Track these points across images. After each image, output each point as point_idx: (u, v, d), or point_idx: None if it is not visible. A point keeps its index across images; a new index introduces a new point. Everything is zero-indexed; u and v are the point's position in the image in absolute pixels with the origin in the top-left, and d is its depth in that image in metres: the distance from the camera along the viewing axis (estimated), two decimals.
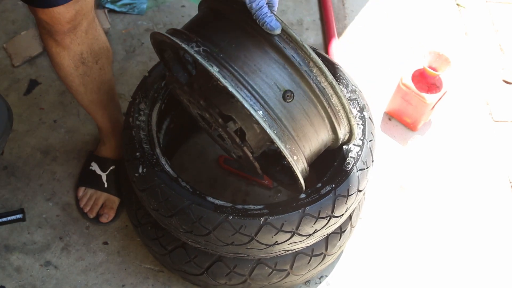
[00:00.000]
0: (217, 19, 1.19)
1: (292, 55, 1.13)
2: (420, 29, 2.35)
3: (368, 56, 2.24)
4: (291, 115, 1.16)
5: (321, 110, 1.19)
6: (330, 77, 1.15)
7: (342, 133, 1.27)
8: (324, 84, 1.16)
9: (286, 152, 1.16)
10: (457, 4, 2.47)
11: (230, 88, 1.09)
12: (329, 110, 1.19)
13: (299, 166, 1.22)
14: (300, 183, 1.26)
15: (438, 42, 2.31)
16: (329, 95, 1.17)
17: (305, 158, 1.24)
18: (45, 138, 1.90)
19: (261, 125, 1.10)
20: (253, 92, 1.12)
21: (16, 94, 1.99)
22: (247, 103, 1.10)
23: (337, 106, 1.20)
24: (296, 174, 1.22)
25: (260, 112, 1.11)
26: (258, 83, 1.12)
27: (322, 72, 1.14)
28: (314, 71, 1.14)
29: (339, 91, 1.17)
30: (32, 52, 2.08)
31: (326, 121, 1.22)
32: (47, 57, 2.09)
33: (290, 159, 1.17)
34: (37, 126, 1.92)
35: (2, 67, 2.06)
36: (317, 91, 1.15)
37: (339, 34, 2.28)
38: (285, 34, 1.13)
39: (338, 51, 2.17)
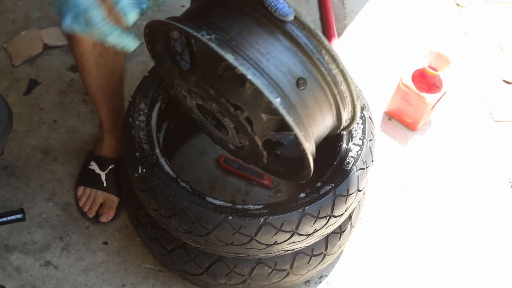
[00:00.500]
0: (224, 6, 1.17)
1: (304, 42, 1.13)
2: (420, 29, 2.35)
3: (368, 56, 2.24)
4: (304, 102, 1.16)
5: (330, 97, 1.20)
6: (341, 64, 1.16)
7: (344, 119, 1.28)
8: (335, 71, 1.17)
9: (303, 140, 1.16)
10: (457, 4, 2.47)
11: (249, 76, 1.07)
12: (337, 97, 1.20)
13: (311, 153, 1.22)
14: (310, 169, 1.26)
15: (438, 42, 2.31)
16: (339, 82, 1.18)
17: (314, 145, 1.25)
18: (45, 138, 1.90)
19: (280, 113, 1.10)
20: (269, 79, 1.11)
21: (16, 94, 1.99)
22: (267, 91, 1.09)
23: (345, 93, 1.21)
24: (309, 161, 1.22)
25: (278, 100, 1.11)
26: (272, 71, 1.12)
27: (334, 60, 1.15)
28: (326, 58, 1.15)
29: (348, 78, 1.18)
30: (32, 52, 2.08)
31: (333, 107, 1.23)
32: (47, 57, 2.10)
33: (305, 147, 1.18)
34: (37, 126, 1.92)
35: (2, 67, 2.06)
36: (328, 78, 1.16)
37: (339, 34, 2.28)
38: (297, 21, 1.12)
39: (338, 51, 2.17)
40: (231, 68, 1.15)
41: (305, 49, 1.13)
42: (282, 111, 1.10)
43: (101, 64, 1.51)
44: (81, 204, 1.74)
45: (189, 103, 1.39)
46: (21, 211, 1.71)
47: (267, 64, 1.11)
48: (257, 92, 1.13)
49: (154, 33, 1.31)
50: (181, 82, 1.30)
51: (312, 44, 1.13)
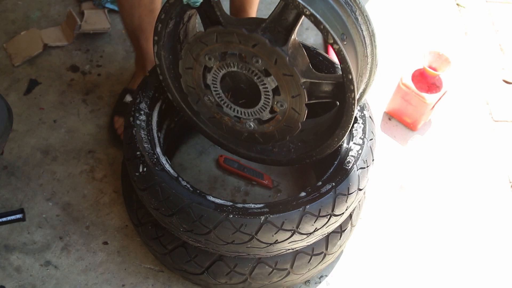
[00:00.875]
0: None
1: (345, 1, 1.19)
2: (420, 29, 2.36)
3: None
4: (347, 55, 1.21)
5: (358, 57, 1.25)
6: (372, 26, 1.23)
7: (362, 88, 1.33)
8: (365, 32, 1.23)
9: (356, 90, 1.21)
10: (457, 4, 2.48)
11: (319, 17, 1.11)
12: (364, 59, 1.25)
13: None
14: (346, 130, 1.33)
15: (438, 42, 2.31)
16: (367, 44, 1.23)
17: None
18: (45, 138, 1.90)
19: (344, 57, 1.14)
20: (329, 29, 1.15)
21: (16, 94, 1.99)
22: (335, 35, 1.12)
23: (368, 58, 1.25)
24: (353, 110, 1.26)
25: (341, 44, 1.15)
26: (330, 23, 1.15)
27: (366, 21, 1.22)
28: (360, 19, 1.21)
29: (376, 40, 1.23)
30: (32, 52, 2.08)
31: (359, 69, 1.27)
32: (47, 57, 2.10)
33: (356, 96, 1.22)
34: (37, 126, 1.92)
35: (2, 67, 2.06)
36: (360, 38, 1.22)
37: None
38: None
39: None
40: (271, 30, 1.21)
41: (345, 8, 1.19)
42: (346, 55, 1.14)
43: (138, 5, 1.60)
44: (116, 126, 1.88)
45: (211, 78, 1.37)
46: (21, 211, 1.71)
47: (323, 18, 1.14)
48: (297, 52, 1.20)
49: (173, 9, 1.32)
50: (216, 46, 1.28)
51: (350, 4, 1.20)
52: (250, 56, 1.25)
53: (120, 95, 1.96)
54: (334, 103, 1.54)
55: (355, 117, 1.48)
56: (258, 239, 1.28)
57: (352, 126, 1.47)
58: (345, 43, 1.18)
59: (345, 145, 1.44)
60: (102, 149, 1.88)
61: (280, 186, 1.85)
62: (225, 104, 1.43)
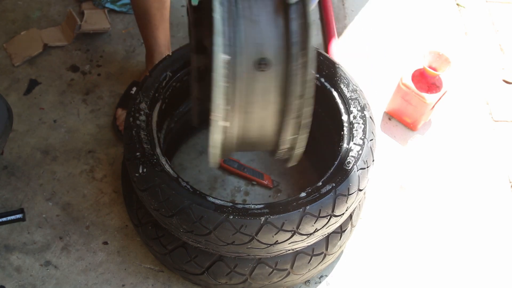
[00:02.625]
0: None
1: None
2: (420, 29, 2.35)
3: (368, 56, 2.24)
4: (252, 84, 1.04)
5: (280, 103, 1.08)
6: (309, 72, 1.05)
7: (283, 143, 1.14)
8: (301, 79, 1.05)
9: (220, 101, 1.03)
10: (457, 4, 2.47)
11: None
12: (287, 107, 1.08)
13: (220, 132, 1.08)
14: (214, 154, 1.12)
15: (438, 42, 2.31)
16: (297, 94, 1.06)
17: (235, 135, 1.10)
18: (45, 138, 1.90)
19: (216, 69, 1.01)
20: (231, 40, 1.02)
21: (16, 94, 1.99)
22: (222, 48, 1.00)
23: (298, 110, 1.08)
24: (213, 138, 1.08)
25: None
26: (240, 32, 1.03)
27: (305, 67, 1.04)
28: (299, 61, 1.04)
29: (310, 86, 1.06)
30: (32, 52, 2.08)
31: (279, 119, 1.09)
32: (47, 57, 2.10)
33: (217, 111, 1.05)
34: (37, 126, 1.92)
35: (2, 67, 2.06)
36: (287, 76, 1.05)
37: (339, 34, 2.28)
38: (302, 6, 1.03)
39: (338, 51, 2.17)
40: None
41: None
42: (219, 71, 0.99)
43: None
44: (117, 123, 1.88)
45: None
46: (21, 211, 1.70)
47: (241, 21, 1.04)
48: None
49: None
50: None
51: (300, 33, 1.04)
52: None
53: (127, 87, 1.99)
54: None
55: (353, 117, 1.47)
56: (258, 240, 1.28)
57: (353, 127, 1.47)
58: (260, 70, 1.03)
59: (345, 145, 1.44)
60: (102, 149, 1.88)
61: (280, 186, 1.85)
62: None
